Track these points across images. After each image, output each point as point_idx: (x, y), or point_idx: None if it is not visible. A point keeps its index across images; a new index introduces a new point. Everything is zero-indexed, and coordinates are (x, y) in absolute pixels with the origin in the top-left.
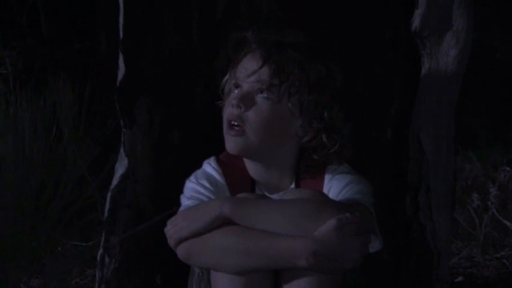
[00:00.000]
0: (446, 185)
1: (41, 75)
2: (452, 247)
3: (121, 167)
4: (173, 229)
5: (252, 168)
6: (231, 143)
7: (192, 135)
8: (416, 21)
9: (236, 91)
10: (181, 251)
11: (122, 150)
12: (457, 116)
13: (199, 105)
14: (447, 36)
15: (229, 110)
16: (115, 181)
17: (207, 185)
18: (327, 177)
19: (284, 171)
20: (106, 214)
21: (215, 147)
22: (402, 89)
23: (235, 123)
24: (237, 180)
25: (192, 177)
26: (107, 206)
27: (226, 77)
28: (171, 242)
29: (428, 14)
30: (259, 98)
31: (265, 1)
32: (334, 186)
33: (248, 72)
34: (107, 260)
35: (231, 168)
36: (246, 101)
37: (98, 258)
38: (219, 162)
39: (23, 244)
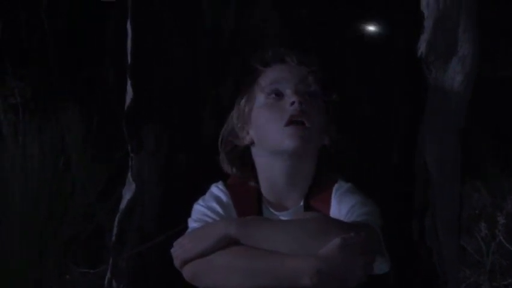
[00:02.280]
0: (452, 209)
1: (49, 104)
2: (460, 275)
3: (128, 192)
4: (179, 250)
5: (269, 183)
6: (296, 139)
7: (199, 160)
8: (421, 47)
9: (287, 94)
10: (187, 272)
11: (129, 174)
12: (465, 145)
13: (206, 130)
14: (453, 61)
15: (294, 107)
16: (122, 206)
17: (215, 206)
18: (334, 198)
19: (298, 185)
20: (113, 238)
21: (222, 172)
22: (408, 113)
23: (299, 120)
24: (244, 202)
25: (199, 201)
26: (115, 230)
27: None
28: (177, 263)
29: (433, 39)
30: (311, 98)
31: (272, 27)
32: (341, 207)
33: (295, 78)
34: (114, 284)
35: (238, 190)
36: (305, 99)
37: (106, 282)
38: (226, 185)
39: (31, 272)
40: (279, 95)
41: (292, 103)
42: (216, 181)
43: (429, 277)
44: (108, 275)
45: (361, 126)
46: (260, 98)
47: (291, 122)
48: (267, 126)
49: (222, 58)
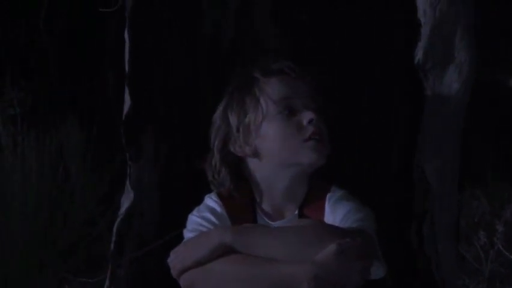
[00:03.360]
0: (451, 216)
1: (48, 114)
2: (458, 283)
3: (126, 200)
4: (175, 260)
5: (266, 194)
6: (317, 153)
7: (199, 169)
8: (418, 54)
9: (300, 110)
10: (184, 281)
11: (128, 183)
12: (464, 152)
13: (205, 139)
14: (450, 69)
15: (312, 125)
16: (121, 214)
17: (210, 217)
18: (328, 205)
19: (295, 196)
20: (112, 247)
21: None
22: (406, 121)
23: (317, 137)
24: (238, 212)
25: (194, 211)
26: (113, 238)
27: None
28: (174, 273)
29: (430, 47)
30: (318, 112)
31: (271, 35)
32: (335, 214)
33: (304, 93)
34: None
35: (232, 201)
36: (318, 116)
37: None
38: (219, 195)
39: (31, 281)
40: (292, 110)
41: (310, 120)
42: (209, 193)
43: (427, 285)
44: (107, 283)
45: (359, 134)
46: (270, 111)
47: (310, 139)
48: (284, 141)
49: (221, 66)
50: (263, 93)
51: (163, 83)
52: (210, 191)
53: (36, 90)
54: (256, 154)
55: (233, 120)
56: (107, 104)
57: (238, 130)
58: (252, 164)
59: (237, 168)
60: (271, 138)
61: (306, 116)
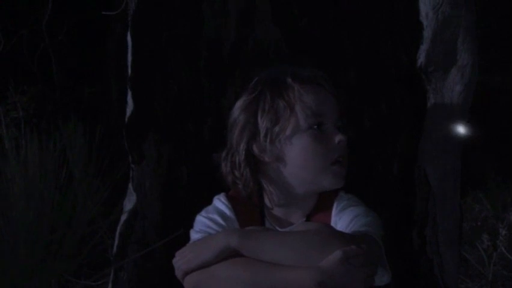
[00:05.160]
0: (453, 219)
1: (51, 119)
2: (461, 286)
3: (129, 203)
4: (180, 261)
5: (278, 200)
6: (340, 179)
7: (200, 172)
8: (421, 57)
9: (330, 129)
10: (188, 283)
11: (130, 185)
12: (466, 156)
13: (207, 142)
14: (452, 72)
15: (340, 147)
16: (123, 217)
17: (218, 219)
18: (335, 210)
19: (306, 203)
20: (114, 250)
21: (222, 183)
22: (408, 124)
23: (341, 160)
24: (246, 215)
25: (202, 212)
26: (116, 242)
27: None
28: (179, 274)
29: (433, 50)
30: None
31: (273, 39)
32: (342, 219)
33: (336, 111)
34: None
35: (241, 203)
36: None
37: None
38: (228, 197)
39: (34, 285)
40: (321, 126)
41: (339, 142)
42: (217, 193)
43: (429, 287)
44: (110, 286)
45: (361, 138)
46: (302, 123)
47: (336, 162)
48: (312, 159)
49: (223, 69)
50: (298, 102)
51: (165, 86)
52: (211, 195)
53: (39, 94)
54: (278, 161)
55: (263, 124)
56: (110, 108)
57: (266, 135)
58: (272, 169)
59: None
60: (297, 152)
61: (337, 138)
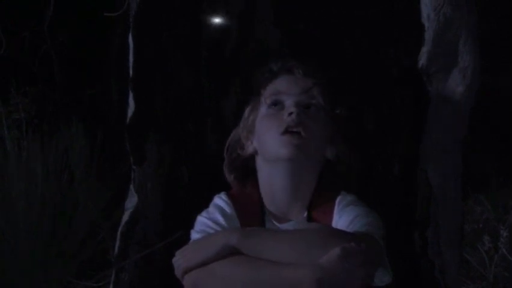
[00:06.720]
0: (454, 221)
1: (53, 120)
2: None
3: (130, 204)
4: (181, 259)
5: (271, 194)
6: (291, 148)
7: (201, 172)
8: (422, 58)
9: (286, 105)
10: (187, 281)
11: (131, 187)
12: (467, 157)
13: (208, 142)
14: (453, 73)
15: (290, 118)
16: (124, 218)
17: (218, 218)
18: (336, 208)
19: (300, 197)
20: (116, 251)
21: (224, 184)
22: (409, 125)
23: (295, 130)
24: (247, 213)
25: (203, 212)
26: (117, 243)
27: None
28: (178, 272)
29: (434, 51)
30: (312, 109)
31: (274, 40)
32: (343, 218)
33: (297, 89)
34: None
35: (241, 201)
36: (304, 110)
37: None
38: (228, 195)
39: (35, 286)
40: (279, 105)
41: (290, 114)
42: (217, 192)
43: None
44: (111, 287)
45: (363, 139)
46: (263, 108)
47: (286, 132)
48: (266, 135)
49: (223, 70)
50: (263, 92)
51: (166, 87)
52: (211, 195)
53: (41, 96)
54: (256, 152)
55: (241, 120)
56: (111, 109)
57: (243, 129)
58: (257, 163)
59: (248, 168)
60: (260, 134)
61: (287, 110)
